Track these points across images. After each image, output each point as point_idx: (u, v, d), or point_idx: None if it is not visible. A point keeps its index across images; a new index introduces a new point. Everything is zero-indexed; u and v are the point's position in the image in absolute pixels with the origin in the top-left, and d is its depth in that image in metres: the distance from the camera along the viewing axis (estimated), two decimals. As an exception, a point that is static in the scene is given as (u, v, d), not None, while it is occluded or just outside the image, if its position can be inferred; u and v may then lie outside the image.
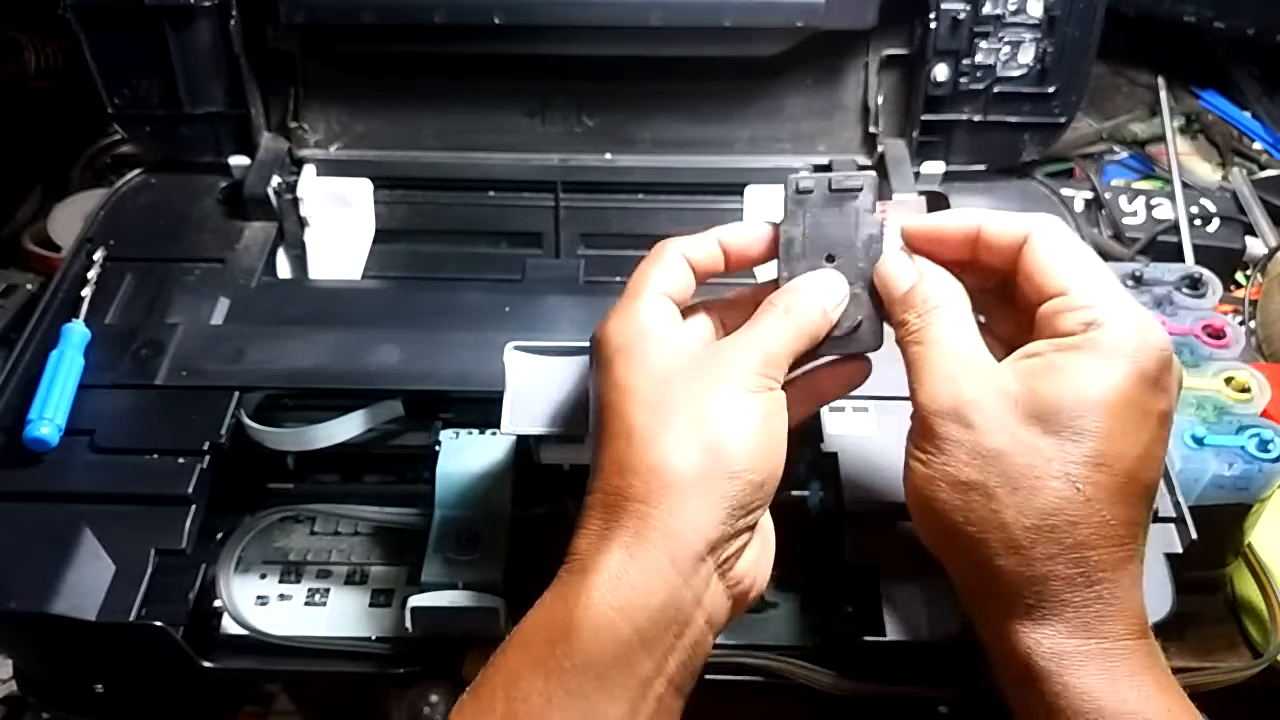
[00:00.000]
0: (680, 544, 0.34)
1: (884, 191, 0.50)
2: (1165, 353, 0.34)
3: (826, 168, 0.65)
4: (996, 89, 0.63)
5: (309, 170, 0.65)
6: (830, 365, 0.41)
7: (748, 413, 0.36)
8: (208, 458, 0.50)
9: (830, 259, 0.40)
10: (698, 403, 0.36)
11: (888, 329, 0.40)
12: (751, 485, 0.35)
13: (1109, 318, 0.34)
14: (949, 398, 0.35)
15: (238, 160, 0.65)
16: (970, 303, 0.38)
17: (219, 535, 0.52)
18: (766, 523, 0.39)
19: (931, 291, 0.37)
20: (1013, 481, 0.34)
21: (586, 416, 0.46)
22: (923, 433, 0.36)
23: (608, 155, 0.66)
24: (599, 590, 0.34)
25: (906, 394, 0.51)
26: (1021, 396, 0.34)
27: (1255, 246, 0.72)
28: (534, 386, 0.47)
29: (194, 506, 0.49)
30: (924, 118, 0.64)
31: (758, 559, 0.38)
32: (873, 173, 0.40)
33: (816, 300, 0.39)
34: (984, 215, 0.39)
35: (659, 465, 0.35)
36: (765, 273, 0.42)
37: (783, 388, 0.38)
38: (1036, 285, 0.36)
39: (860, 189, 0.39)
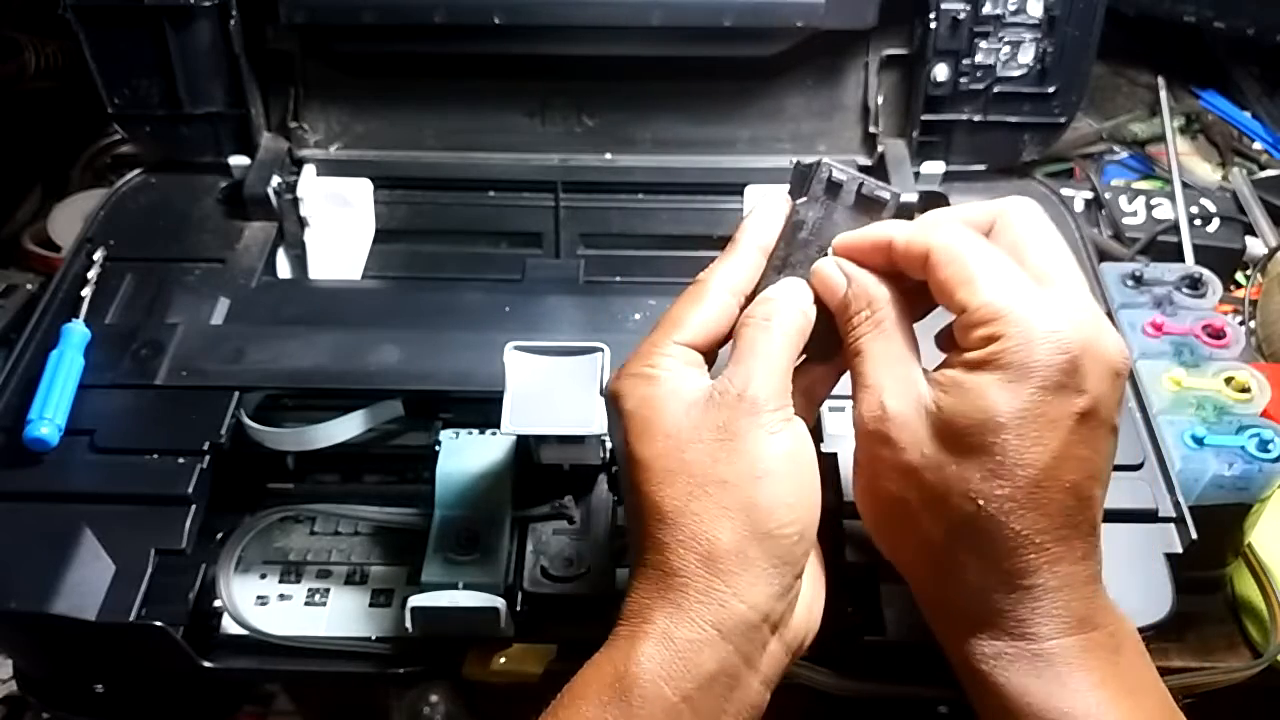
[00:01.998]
0: (726, 614, 0.34)
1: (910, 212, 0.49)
2: (1067, 355, 0.33)
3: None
4: (996, 89, 0.63)
5: (309, 170, 0.65)
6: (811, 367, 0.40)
7: (771, 460, 0.35)
8: (208, 458, 0.50)
9: (823, 253, 0.39)
10: (719, 465, 0.35)
11: None
12: (791, 539, 0.34)
13: (1007, 330, 0.33)
14: (871, 412, 0.35)
15: (238, 160, 0.65)
16: (907, 309, 0.38)
17: (219, 535, 0.52)
18: (814, 566, 0.38)
19: (856, 301, 0.37)
20: (925, 497, 0.34)
21: (587, 417, 0.46)
22: (857, 444, 0.37)
23: (608, 155, 0.66)
24: (647, 658, 0.33)
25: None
26: (932, 414, 0.34)
27: (1255, 246, 0.72)
28: (534, 386, 0.47)
29: (194, 506, 0.49)
30: (924, 118, 0.64)
31: (810, 605, 0.37)
32: (900, 192, 0.39)
33: (795, 304, 0.38)
34: (895, 229, 0.37)
35: (691, 540, 0.34)
36: None
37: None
38: (944, 300, 0.36)
39: (886, 203, 0.39)
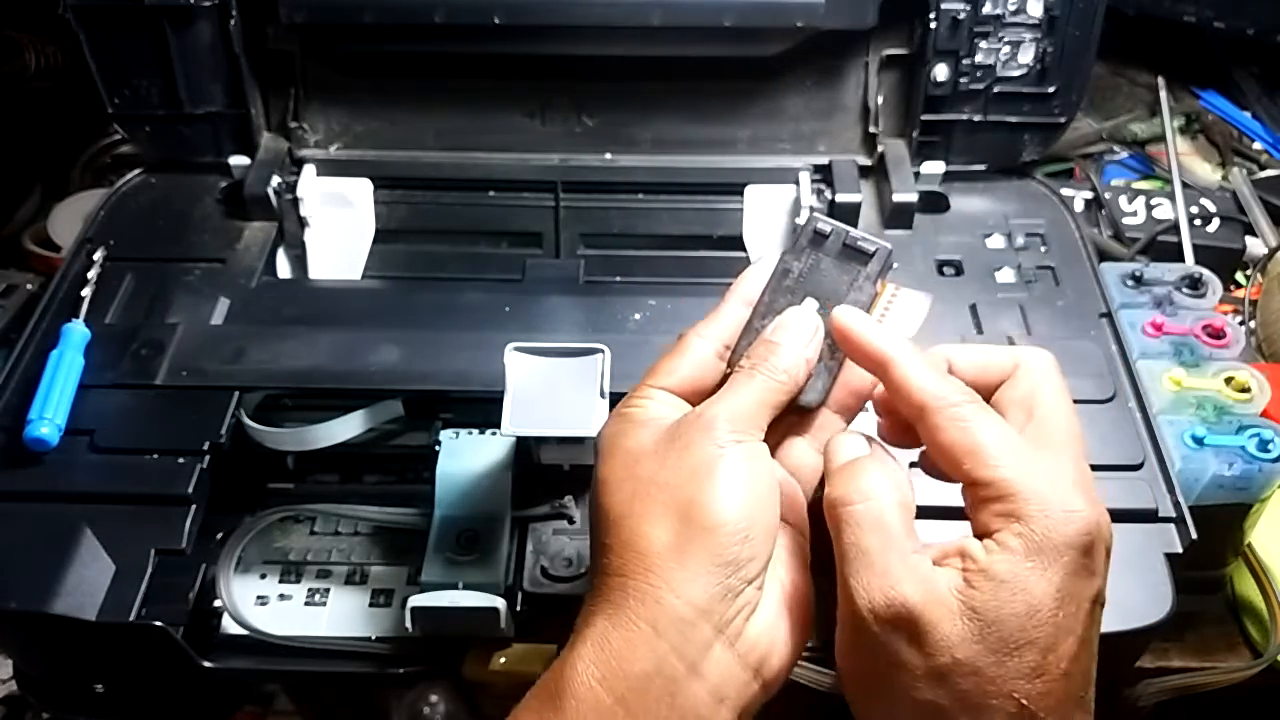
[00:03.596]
0: (661, 610, 0.33)
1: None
2: (1088, 536, 0.32)
3: (827, 168, 0.65)
4: (996, 89, 0.63)
5: (309, 170, 0.65)
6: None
7: (718, 467, 0.34)
8: (208, 457, 0.50)
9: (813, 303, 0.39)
10: (664, 469, 0.35)
11: None
12: (733, 539, 0.33)
13: (1027, 510, 0.32)
14: (889, 606, 0.32)
15: (238, 160, 0.65)
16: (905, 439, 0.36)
17: (219, 535, 0.52)
18: (785, 587, 0.36)
19: (870, 482, 0.35)
20: (963, 704, 0.32)
21: (587, 418, 0.46)
22: (862, 635, 0.33)
23: (608, 155, 0.66)
24: (582, 661, 0.33)
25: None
26: (961, 611, 0.32)
27: (1255, 246, 0.72)
28: (534, 387, 0.47)
29: (194, 506, 0.49)
30: (924, 118, 0.64)
31: (773, 624, 0.35)
32: (889, 246, 0.39)
33: (789, 351, 0.37)
34: (897, 353, 0.36)
35: (631, 538, 0.34)
36: None
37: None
38: (946, 464, 0.35)
39: (873, 254, 0.39)
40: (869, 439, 0.37)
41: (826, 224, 0.39)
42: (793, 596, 0.36)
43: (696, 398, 0.38)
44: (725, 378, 0.38)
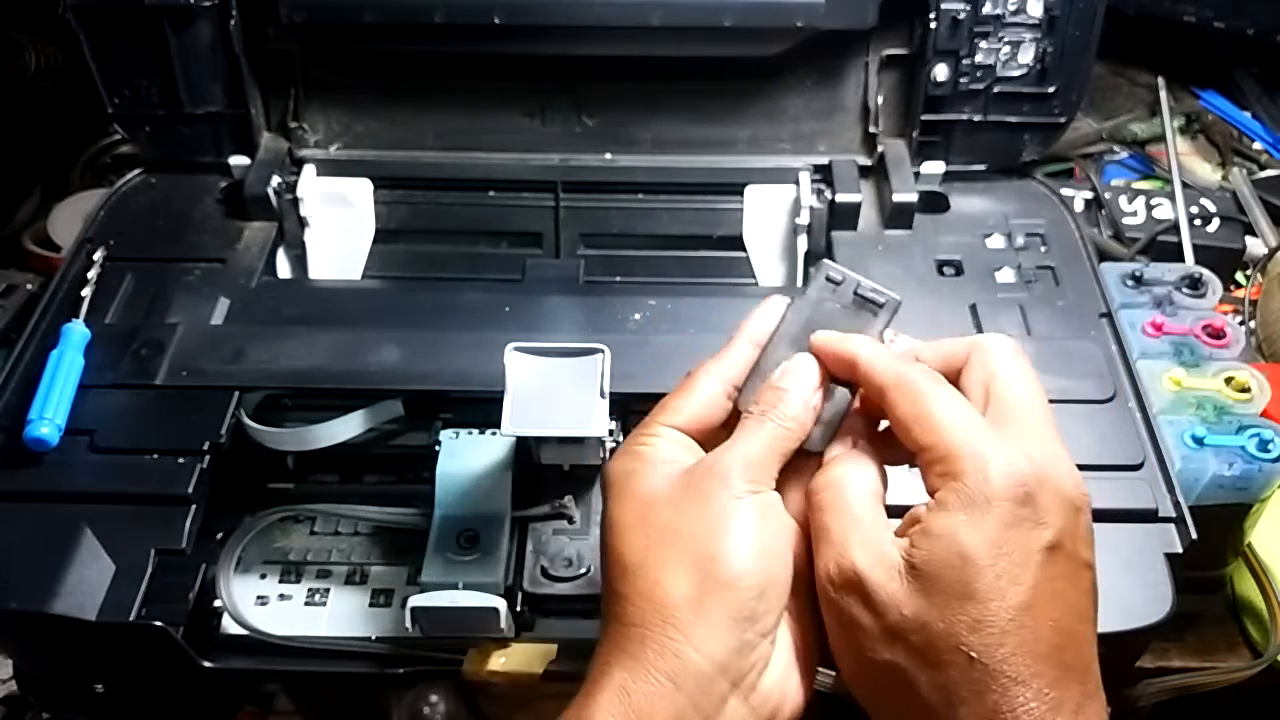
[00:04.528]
0: (681, 665, 0.33)
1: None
2: (1022, 487, 0.33)
3: (827, 168, 0.65)
4: (996, 89, 0.63)
5: (309, 170, 0.65)
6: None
7: (734, 520, 0.35)
8: (208, 457, 0.50)
9: None
10: (682, 520, 0.35)
11: None
12: (750, 593, 0.34)
13: (963, 467, 0.33)
14: (842, 572, 0.34)
15: (238, 160, 0.65)
16: (877, 451, 0.37)
17: (219, 535, 0.52)
18: (795, 637, 0.36)
19: (839, 471, 0.37)
20: (917, 660, 0.33)
21: (587, 418, 0.46)
22: (825, 607, 0.35)
23: (608, 155, 0.66)
24: (601, 713, 0.33)
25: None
26: (906, 569, 0.33)
27: (1255, 246, 0.72)
28: (535, 387, 0.47)
29: (194, 506, 0.49)
30: (924, 118, 0.64)
31: (784, 676, 0.36)
32: (899, 298, 0.39)
33: (796, 397, 0.37)
34: (862, 349, 0.37)
35: (650, 589, 0.34)
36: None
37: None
38: (902, 436, 0.36)
39: (883, 305, 0.39)
40: (854, 440, 0.38)
41: (839, 272, 0.40)
42: (801, 646, 0.37)
43: (704, 436, 0.38)
44: (732, 416, 0.38)
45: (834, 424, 0.39)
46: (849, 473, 0.36)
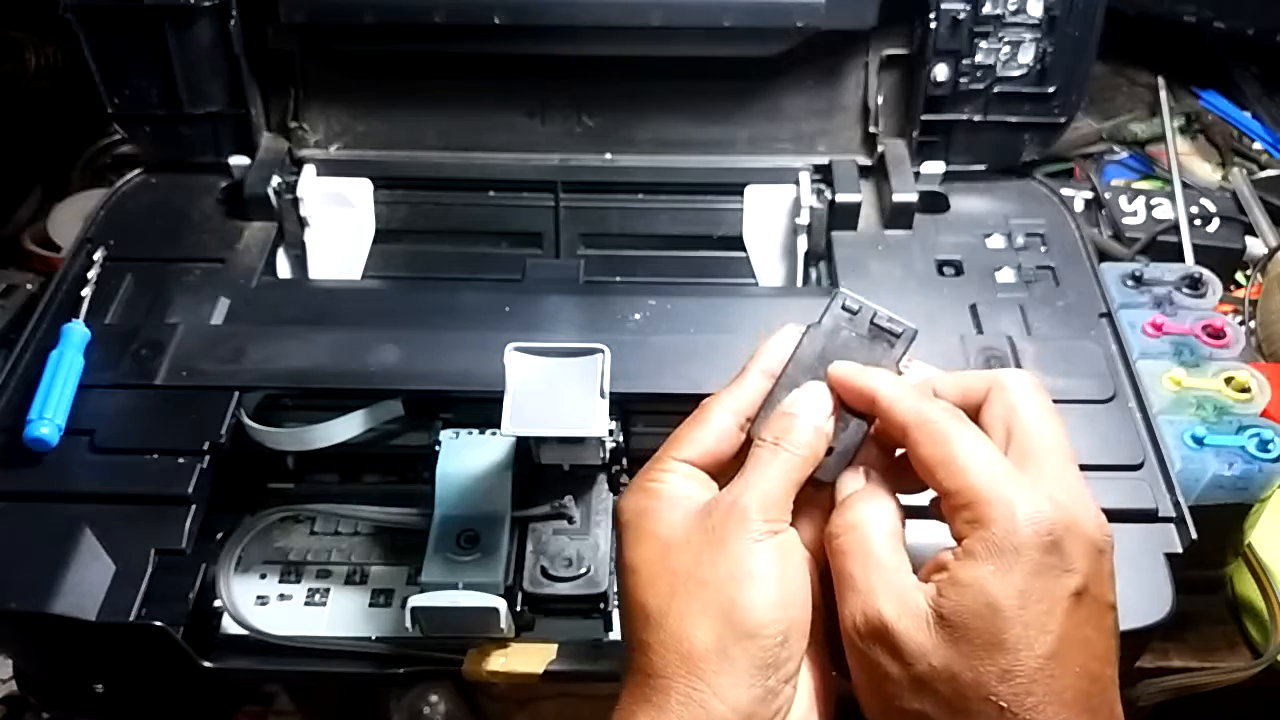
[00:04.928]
0: (706, 714, 0.33)
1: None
2: (1050, 535, 0.33)
3: (827, 168, 0.65)
4: (996, 89, 0.63)
5: (309, 170, 0.65)
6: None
7: (756, 567, 0.34)
8: (208, 457, 0.50)
9: None
10: (702, 567, 0.35)
11: None
12: (773, 640, 0.34)
13: (990, 514, 0.33)
14: (869, 622, 0.34)
15: (238, 160, 0.65)
16: (893, 485, 0.37)
17: (219, 535, 0.52)
18: (814, 678, 0.36)
19: (859, 513, 0.36)
20: (945, 710, 0.33)
21: (587, 418, 0.46)
22: (853, 653, 0.35)
23: (608, 155, 0.66)
24: None
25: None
26: (934, 619, 0.33)
27: (1255, 246, 0.72)
28: (535, 387, 0.47)
29: (194, 506, 0.49)
30: (924, 118, 0.64)
31: (805, 717, 0.36)
32: (915, 328, 0.39)
33: (808, 422, 0.37)
34: (881, 384, 0.37)
35: (673, 640, 0.34)
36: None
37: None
38: (925, 477, 0.35)
39: (899, 335, 0.39)
40: (867, 472, 0.38)
41: (855, 301, 0.39)
42: (821, 686, 0.36)
43: (717, 469, 0.38)
44: (744, 448, 0.38)
45: (849, 454, 0.38)
46: (868, 514, 0.36)
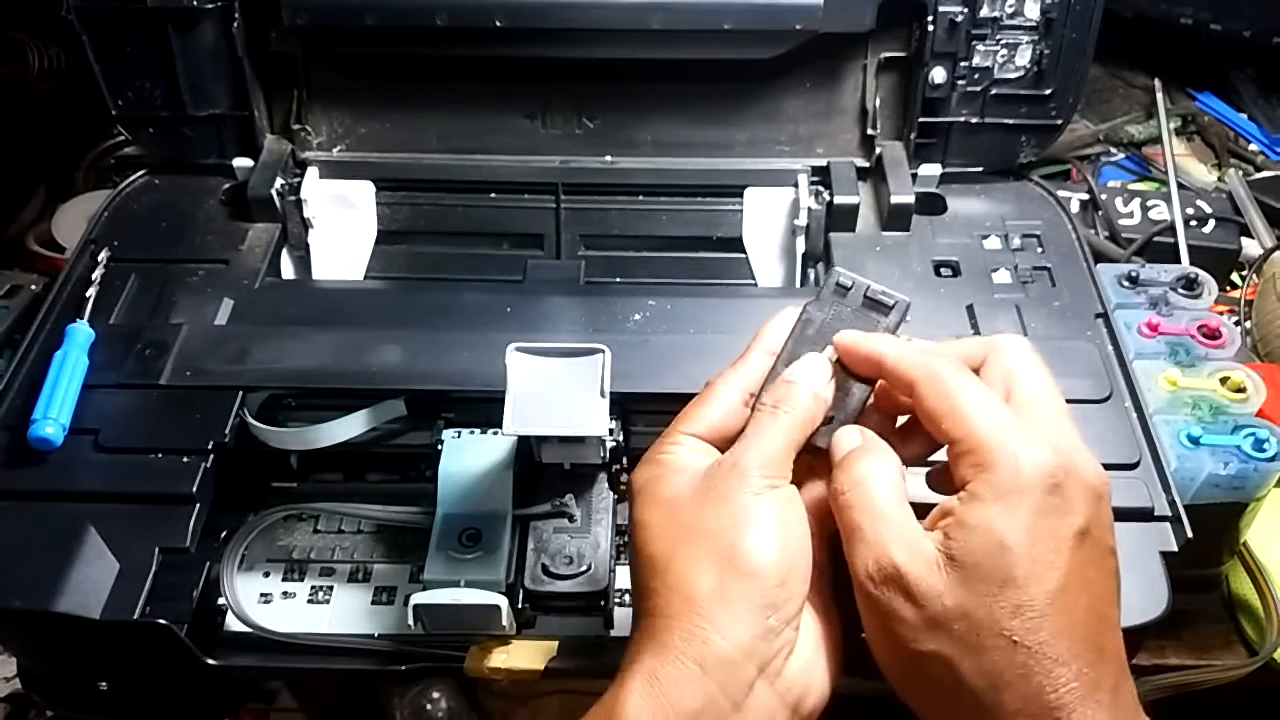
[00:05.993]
0: (707, 650, 0.35)
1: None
2: (1053, 477, 0.34)
3: (825, 170, 0.65)
4: (993, 91, 0.64)
5: (312, 172, 0.65)
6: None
7: (755, 515, 0.36)
8: (212, 457, 0.50)
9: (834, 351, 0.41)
10: (705, 519, 0.37)
11: None
12: (771, 581, 0.35)
13: (995, 460, 0.35)
14: (882, 569, 0.35)
15: (241, 162, 0.66)
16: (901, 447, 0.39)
17: (223, 534, 0.53)
18: (819, 627, 0.38)
19: (862, 468, 0.37)
20: (960, 648, 0.34)
21: (588, 417, 0.46)
22: (863, 603, 0.37)
23: (608, 157, 0.66)
24: (634, 696, 0.34)
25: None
26: (941, 562, 0.35)
27: (1251, 247, 0.72)
28: (536, 387, 0.47)
29: (198, 505, 0.49)
30: (921, 120, 0.64)
31: (809, 663, 0.37)
32: (908, 300, 0.41)
33: (806, 388, 0.39)
34: (888, 347, 0.39)
35: (677, 583, 0.36)
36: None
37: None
38: (932, 428, 0.37)
39: (893, 307, 0.41)
40: (862, 430, 0.39)
41: (849, 277, 0.41)
42: (826, 635, 0.38)
43: (724, 443, 0.40)
44: (750, 423, 0.39)
45: (849, 422, 0.40)
46: (872, 469, 0.37)
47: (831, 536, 0.38)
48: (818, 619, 0.38)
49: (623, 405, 0.51)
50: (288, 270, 0.65)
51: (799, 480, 0.39)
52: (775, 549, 0.36)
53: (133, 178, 0.67)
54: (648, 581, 0.37)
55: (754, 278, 0.66)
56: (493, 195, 0.66)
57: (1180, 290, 0.60)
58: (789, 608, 0.36)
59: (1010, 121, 0.64)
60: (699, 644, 0.35)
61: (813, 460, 0.39)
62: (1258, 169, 0.83)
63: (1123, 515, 0.48)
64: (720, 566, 0.35)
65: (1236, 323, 0.66)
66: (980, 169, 0.66)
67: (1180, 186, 0.75)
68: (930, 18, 0.61)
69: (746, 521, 0.36)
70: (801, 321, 0.41)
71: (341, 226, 0.66)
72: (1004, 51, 0.63)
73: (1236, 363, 0.56)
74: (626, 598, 0.50)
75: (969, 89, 0.63)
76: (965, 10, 0.61)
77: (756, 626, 0.35)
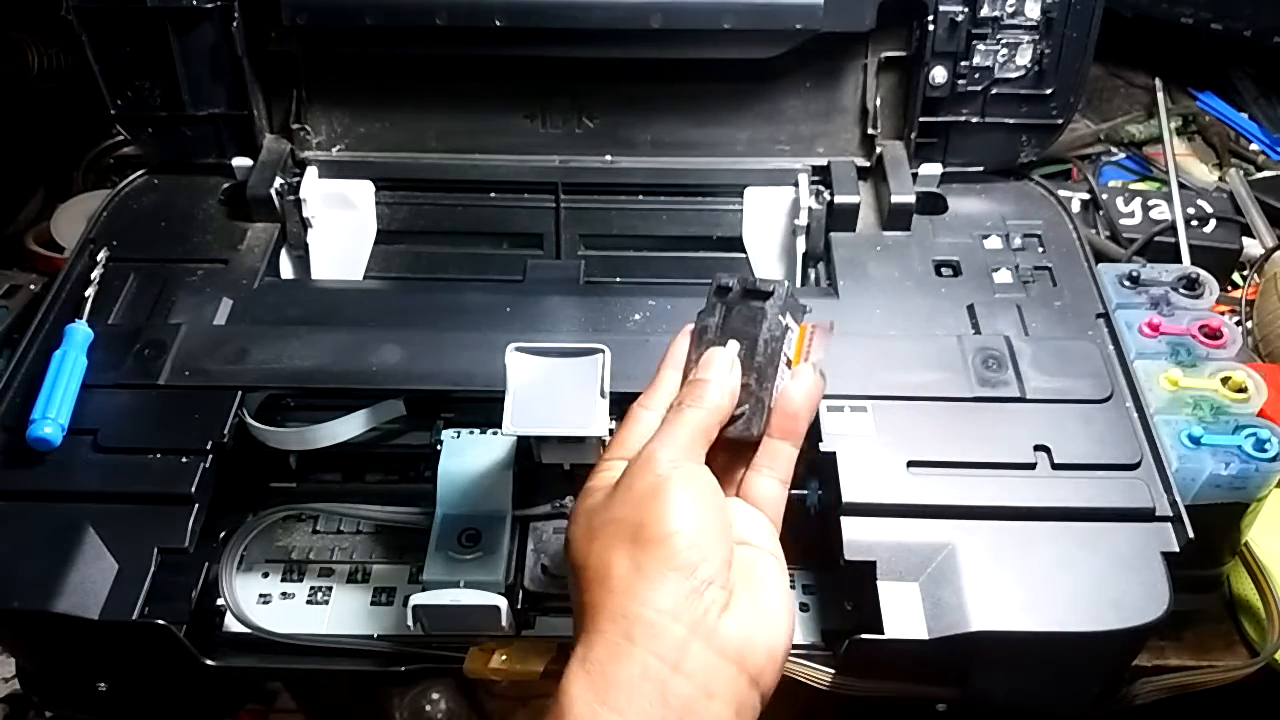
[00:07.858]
0: (630, 622, 0.35)
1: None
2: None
3: (825, 170, 0.65)
4: (994, 90, 0.63)
5: (311, 172, 0.65)
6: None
7: (660, 490, 0.38)
8: (210, 457, 0.50)
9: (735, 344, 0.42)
10: (614, 508, 0.38)
11: None
12: (684, 543, 0.36)
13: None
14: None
15: (240, 162, 0.66)
16: None
17: (222, 534, 0.53)
18: (761, 592, 0.38)
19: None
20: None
21: (587, 417, 0.46)
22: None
23: (608, 157, 0.66)
24: (576, 684, 0.35)
25: (904, 394, 0.52)
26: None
27: (1252, 247, 0.72)
28: (535, 387, 0.47)
29: (197, 505, 0.49)
30: (922, 119, 0.64)
31: (749, 619, 0.37)
32: (786, 281, 0.43)
33: (708, 381, 0.41)
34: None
35: (597, 577, 0.37)
36: None
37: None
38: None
39: (770, 293, 0.42)
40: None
41: (728, 278, 0.43)
42: (771, 599, 0.39)
43: None
44: None
45: (765, 409, 0.41)
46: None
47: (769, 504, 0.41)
48: (763, 590, 0.38)
49: (623, 405, 0.51)
50: (287, 270, 0.65)
51: (740, 475, 0.41)
52: (681, 514, 0.37)
53: (132, 177, 0.67)
54: (576, 586, 0.38)
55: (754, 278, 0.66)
56: (492, 195, 0.66)
57: (1181, 290, 0.59)
58: (705, 568, 0.37)
59: (1011, 121, 0.64)
60: (621, 619, 0.36)
61: (749, 454, 0.42)
62: (1259, 168, 0.83)
63: (1123, 516, 0.48)
64: (630, 545, 0.37)
65: (1238, 323, 0.66)
66: (981, 168, 0.66)
67: (1181, 186, 0.75)
68: (931, 17, 0.61)
69: (651, 497, 0.37)
70: (697, 331, 0.43)
71: (341, 226, 0.66)
72: (1004, 51, 0.62)
73: (1237, 363, 0.55)
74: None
75: (969, 88, 0.63)
76: (966, 10, 0.61)
77: (677, 589, 0.36)
